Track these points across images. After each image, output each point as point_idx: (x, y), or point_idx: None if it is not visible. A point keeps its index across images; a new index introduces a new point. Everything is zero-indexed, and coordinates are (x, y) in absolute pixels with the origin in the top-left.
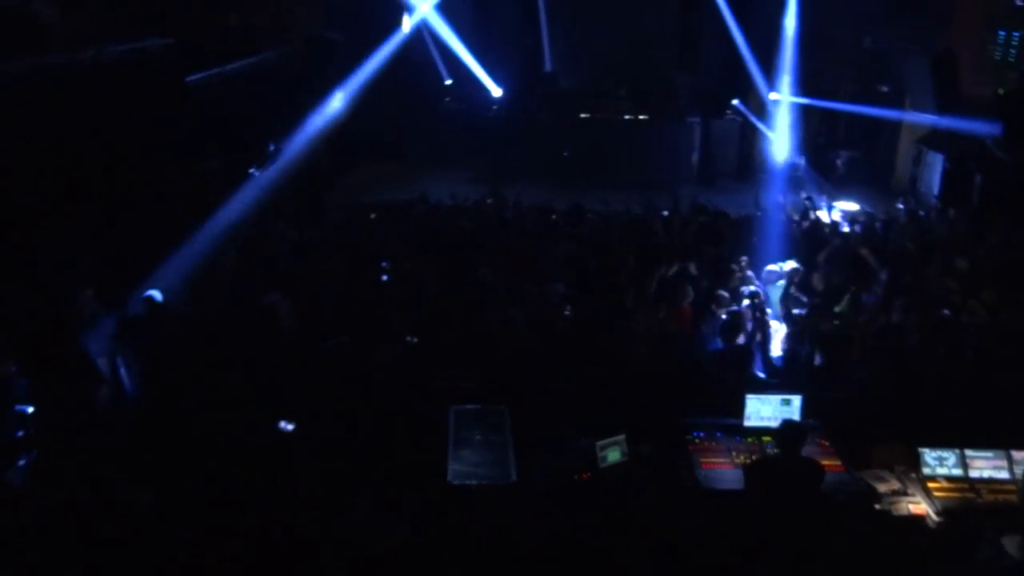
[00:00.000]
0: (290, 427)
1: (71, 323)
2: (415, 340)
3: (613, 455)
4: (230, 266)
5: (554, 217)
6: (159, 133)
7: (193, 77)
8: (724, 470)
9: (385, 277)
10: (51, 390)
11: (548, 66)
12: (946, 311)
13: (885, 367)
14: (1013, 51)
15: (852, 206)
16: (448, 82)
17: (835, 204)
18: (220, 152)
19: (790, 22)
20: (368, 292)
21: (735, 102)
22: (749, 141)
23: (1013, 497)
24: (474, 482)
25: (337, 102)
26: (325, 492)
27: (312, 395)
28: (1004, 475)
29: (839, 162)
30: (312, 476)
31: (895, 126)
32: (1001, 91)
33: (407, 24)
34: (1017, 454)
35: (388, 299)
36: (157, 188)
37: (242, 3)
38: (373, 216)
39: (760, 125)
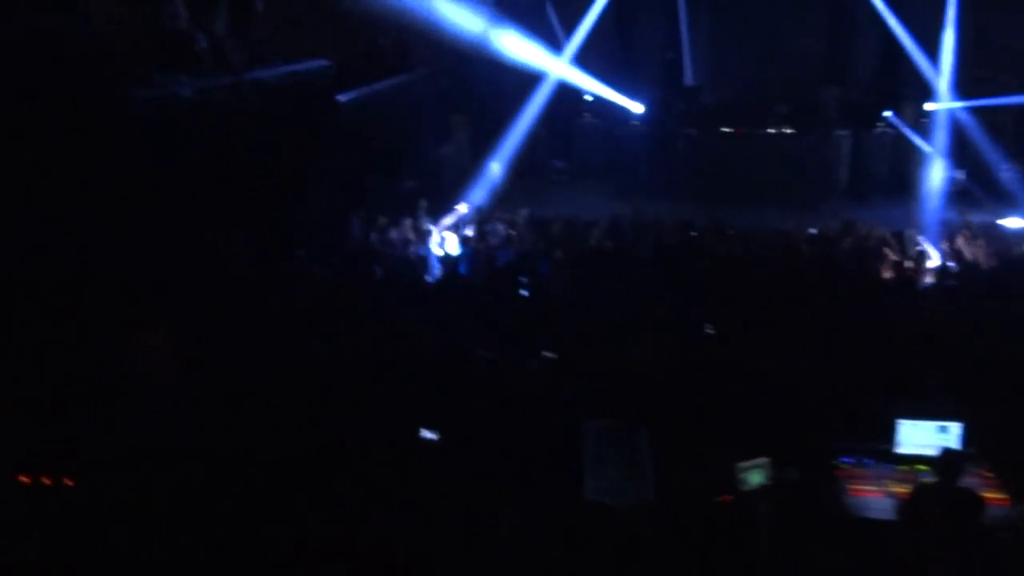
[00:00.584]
0: (432, 436)
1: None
2: (552, 356)
3: (755, 478)
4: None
5: (693, 234)
6: (315, 149)
7: (344, 96)
8: (874, 498)
9: (525, 292)
10: None
11: (690, 81)
12: None
13: None
14: None
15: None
16: (588, 97)
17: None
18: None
19: (949, 28)
20: (509, 305)
21: (887, 114)
22: (904, 155)
23: None
24: (612, 500)
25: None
26: (464, 502)
27: (455, 405)
28: None
29: (1004, 175)
30: (451, 485)
31: None
32: None
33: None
34: None
35: (528, 313)
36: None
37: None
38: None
39: (916, 138)
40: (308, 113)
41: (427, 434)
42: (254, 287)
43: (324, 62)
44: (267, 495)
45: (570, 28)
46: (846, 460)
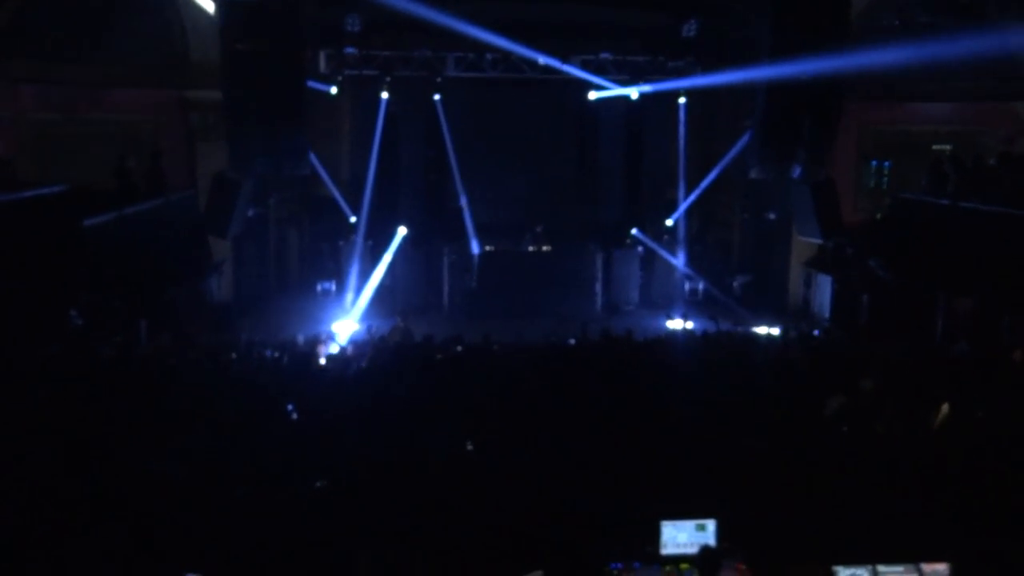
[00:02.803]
0: None
1: None
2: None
3: None
4: None
5: (460, 348)
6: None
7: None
8: None
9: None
10: None
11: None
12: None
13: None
14: (886, 179)
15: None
16: (353, 219)
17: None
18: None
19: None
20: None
21: (634, 232)
22: (651, 268)
23: None
24: None
25: None
26: None
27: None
28: None
29: (735, 285)
30: None
31: (785, 250)
32: (879, 216)
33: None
34: (927, 567)
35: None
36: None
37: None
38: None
39: (661, 252)
40: (48, 238)
41: None
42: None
43: (63, 187)
44: None
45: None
46: (615, 566)
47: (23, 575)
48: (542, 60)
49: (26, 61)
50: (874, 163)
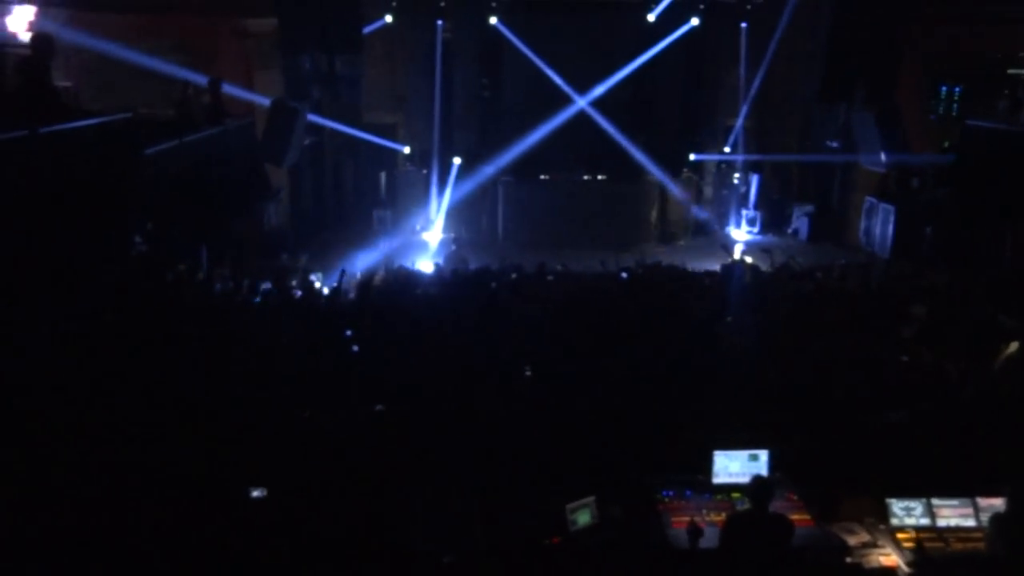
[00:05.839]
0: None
1: None
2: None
3: (583, 518)
4: None
5: (514, 276)
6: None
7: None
8: (695, 529)
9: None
10: None
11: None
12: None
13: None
14: (956, 106)
15: None
16: (407, 149)
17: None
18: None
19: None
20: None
21: (693, 158)
22: (704, 199)
23: (980, 545)
24: (444, 551)
25: None
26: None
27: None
28: (971, 523)
29: (794, 216)
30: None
31: (847, 180)
32: (947, 144)
33: None
34: (983, 501)
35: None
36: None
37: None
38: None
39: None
40: (110, 166)
41: (256, 492)
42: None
43: (127, 114)
44: None
45: None
46: (667, 493)
47: (89, 486)
48: None
49: None
50: (944, 88)
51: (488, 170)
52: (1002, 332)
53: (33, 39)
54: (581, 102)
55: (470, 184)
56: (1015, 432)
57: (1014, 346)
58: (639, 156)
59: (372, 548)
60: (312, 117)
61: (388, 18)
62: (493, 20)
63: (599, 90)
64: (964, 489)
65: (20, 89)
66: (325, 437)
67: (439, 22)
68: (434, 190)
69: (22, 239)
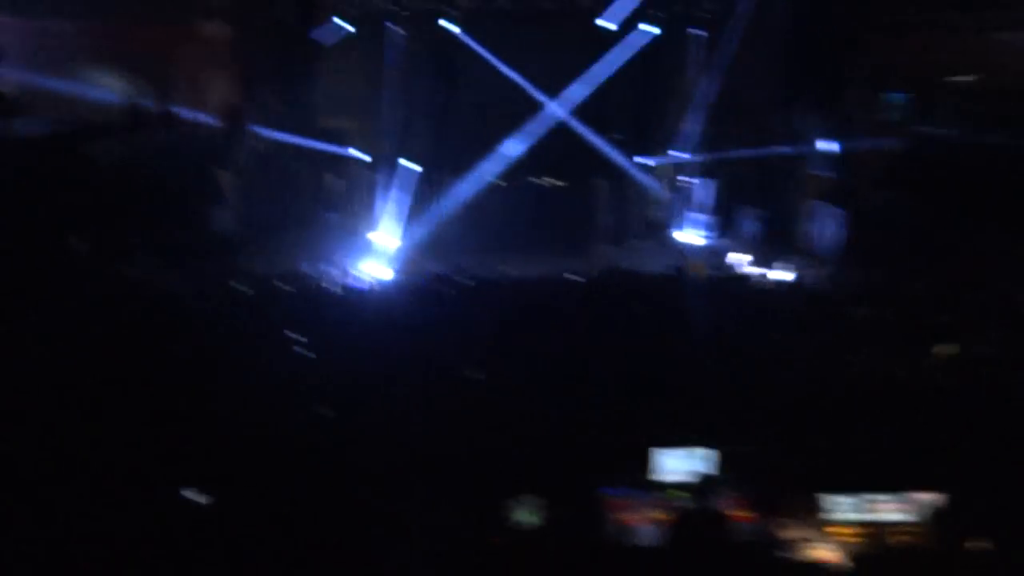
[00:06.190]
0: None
1: None
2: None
3: (525, 516)
4: None
5: (470, 282)
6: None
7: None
8: (638, 526)
9: None
10: None
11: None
12: None
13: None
14: (904, 112)
15: None
16: (364, 156)
17: None
18: None
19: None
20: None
21: (640, 160)
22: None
23: (917, 539)
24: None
25: None
26: None
27: None
28: (906, 517)
29: (745, 220)
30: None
31: (798, 185)
32: (895, 148)
33: None
34: (919, 496)
35: None
36: None
37: None
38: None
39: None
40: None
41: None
42: None
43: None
44: None
45: None
46: (609, 491)
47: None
48: None
49: None
50: (890, 96)
51: (440, 174)
52: (942, 333)
53: None
54: (554, 108)
55: (422, 189)
56: (952, 428)
57: (953, 348)
58: (598, 156)
59: (316, 550)
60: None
61: (343, 23)
62: (450, 25)
63: (557, 96)
64: (899, 484)
65: None
66: (272, 442)
67: (394, 27)
68: (388, 194)
69: None
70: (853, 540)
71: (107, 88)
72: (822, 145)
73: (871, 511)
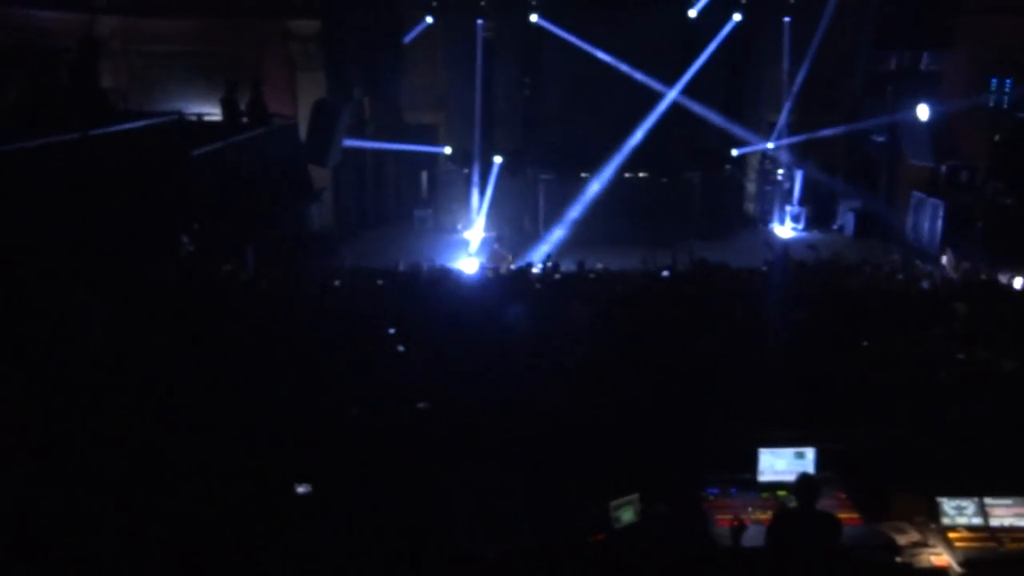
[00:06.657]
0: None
1: None
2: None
3: (627, 515)
4: None
5: (558, 276)
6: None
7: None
8: (741, 527)
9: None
10: None
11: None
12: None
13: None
14: (1007, 98)
15: None
16: (447, 150)
17: None
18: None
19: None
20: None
21: (734, 153)
22: (749, 193)
23: None
24: (487, 549)
25: None
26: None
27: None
28: None
29: (840, 212)
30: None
31: (894, 175)
32: (997, 138)
33: None
34: None
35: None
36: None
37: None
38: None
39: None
40: (157, 167)
41: (301, 489)
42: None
43: (173, 116)
44: None
45: None
46: (712, 491)
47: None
48: None
49: None
50: (994, 81)
51: (528, 168)
52: None
53: (81, 43)
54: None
55: (511, 182)
56: None
57: None
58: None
59: (416, 545)
60: (351, 142)
61: (429, 19)
62: (534, 18)
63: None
64: (1018, 488)
65: (70, 92)
66: (371, 434)
67: (479, 21)
68: (475, 189)
69: (72, 240)
70: (969, 545)
71: (205, 88)
72: (918, 134)
73: (988, 515)
